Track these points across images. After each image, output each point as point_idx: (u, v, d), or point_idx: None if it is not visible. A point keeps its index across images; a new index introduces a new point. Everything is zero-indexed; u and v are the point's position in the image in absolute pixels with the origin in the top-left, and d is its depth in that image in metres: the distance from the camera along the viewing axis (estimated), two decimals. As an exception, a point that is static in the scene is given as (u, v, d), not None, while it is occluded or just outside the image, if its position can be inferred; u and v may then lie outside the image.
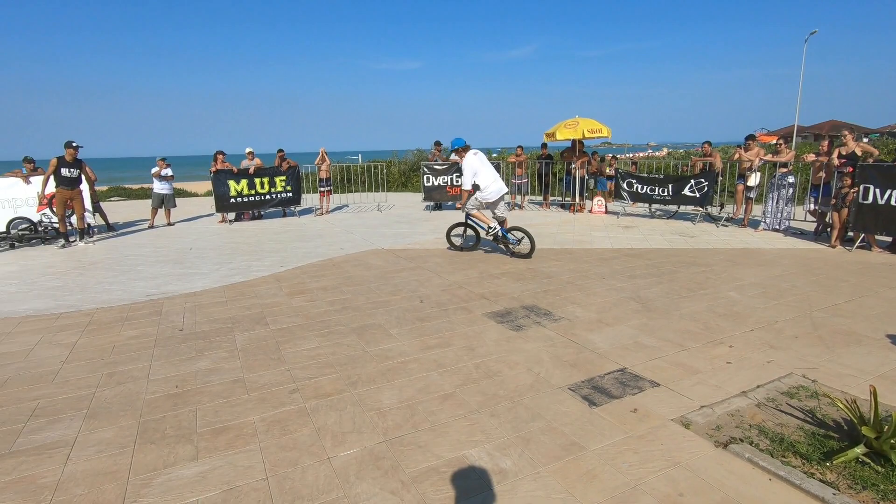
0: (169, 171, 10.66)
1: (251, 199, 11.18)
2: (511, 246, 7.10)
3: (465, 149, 7.17)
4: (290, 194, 11.58)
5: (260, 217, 11.75)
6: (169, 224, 10.82)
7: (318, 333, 4.30)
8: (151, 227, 10.59)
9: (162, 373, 3.60)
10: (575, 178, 11.56)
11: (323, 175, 12.07)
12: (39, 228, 9.12)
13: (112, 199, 17.47)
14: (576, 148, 11.73)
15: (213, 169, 10.87)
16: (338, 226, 10.36)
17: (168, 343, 4.16)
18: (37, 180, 8.95)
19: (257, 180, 11.14)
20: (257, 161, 11.49)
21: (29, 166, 9.45)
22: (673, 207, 10.74)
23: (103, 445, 2.72)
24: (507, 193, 7.33)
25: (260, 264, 7.00)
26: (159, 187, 10.63)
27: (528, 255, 6.96)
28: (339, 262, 7.05)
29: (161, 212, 10.87)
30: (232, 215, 11.25)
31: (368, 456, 2.58)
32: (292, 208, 11.86)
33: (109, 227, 10.39)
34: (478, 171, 6.95)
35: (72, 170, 8.45)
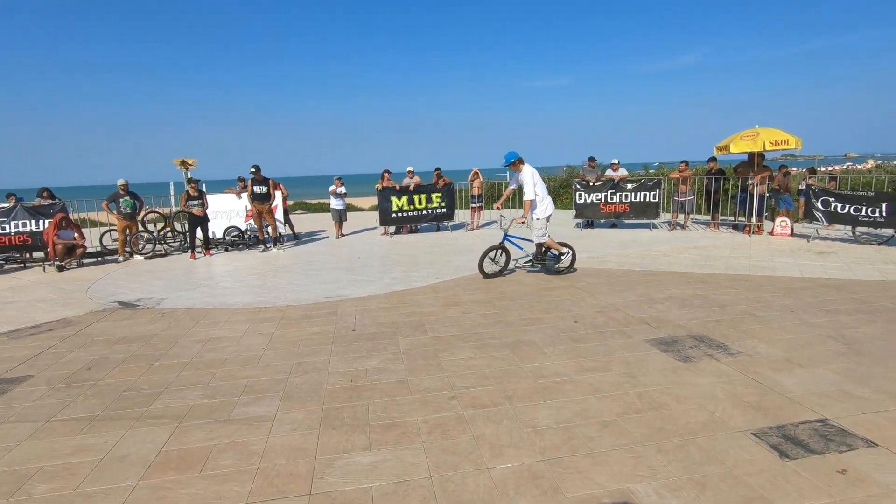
0: (343, 189, 12.02)
1: (410, 213, 12.05)
2: (549, 263, 7.09)
3: (521, 161, 6.93)
4: (444, 210, 12.23)
5: (416, 231, 12.59)
6: (341, 235, 12.16)
7: (473, 345, 4.45)
8: (337, 237, 11.96)
9: (339, 367, 4.05)
10: (752, 195, 10.24)
11: (475, 192, 12.53)
12: (245, 236, 11.00)
13: (297, 212, 20.32)
14: (754, 161, 10.40)
15: (380, 186, 11.97)
16: (488, 241, 10.61)
17: (343, 341, 4.67)
18: (246, 196, 10.83)
19: (416, 196, 11.99)
20: (416, 179, 12.37)
21: (241, 184, 11.47)
22: (888, 231, 8.87)
23: (296, 424, 3.15)
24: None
25: (418, 275, 7.49)
26: (336, 203, 12.02)
27: (569, 270, 7.04)
28: (493, 277, 7.20)
29: (335, 225, 12.30)
30: (392, 228, 12.25)
31: (527, 472, 2.57)
32: (445, 223, 12.49)
33: (295, 237, 12.08)
34: (538, 182, 6.80)
35: (261, 187, 10.08)
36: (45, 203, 9.84)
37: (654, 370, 3.77)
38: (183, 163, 12.54)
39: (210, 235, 10.35)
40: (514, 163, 6.95)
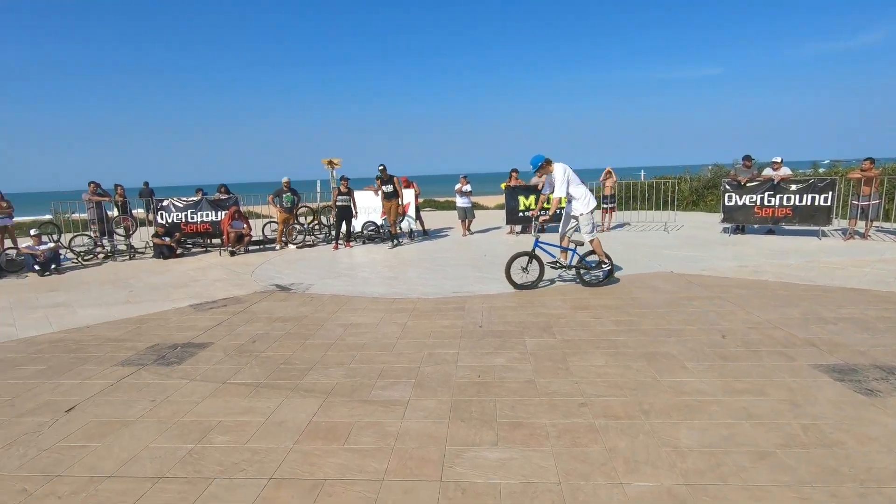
0: (468, 188, 12.24)
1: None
2: (584, 272, 6.55)
3: (549, 162, 6.57)
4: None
5: (544, 231, 12.37)
6: (467, 233, 12.41)
7: (604, 351, 4.25)
8: (464, 235, 12.30)
9: (467, 361, 4.15)
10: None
11: (607, 192, 11.94)
12: (381, 230, 11.78)
13: (426, 209, 21.25)
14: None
15: (508, 185, 11.98)
16: (619, 244, 10.06)
17: (471, 336, 4.77)
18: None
19: (544, 196, 11.78)
20: (544, 177, 12.15)
21: (378, 182, 12.30)
22: None
23: (427, 412, 3.30)
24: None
25: (545, 276, 7.36)
26: (462, 202, 12.30)
27: (602, 283, 6.51)
28: (623, 281, 6.81)
29: (462, 223, 12.61)
30: (519, 228, 12.20)
31: (666, 495, 2.39)
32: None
33: (425, 233, 12.63)
34: (571, 180, 6.44)
35: (387, 185, 10.75)
36: (223, 197, 11.53)
37: (825, 401, 3.25)
38: (330, 162, 13.84)
39: (351, 229, 11.28)
40: (543, 166, 6.62)
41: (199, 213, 11.24)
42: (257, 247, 11.35)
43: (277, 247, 11.19)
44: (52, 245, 9.48)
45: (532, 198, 11.77)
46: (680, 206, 16.53)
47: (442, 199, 25.29)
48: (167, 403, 3.55)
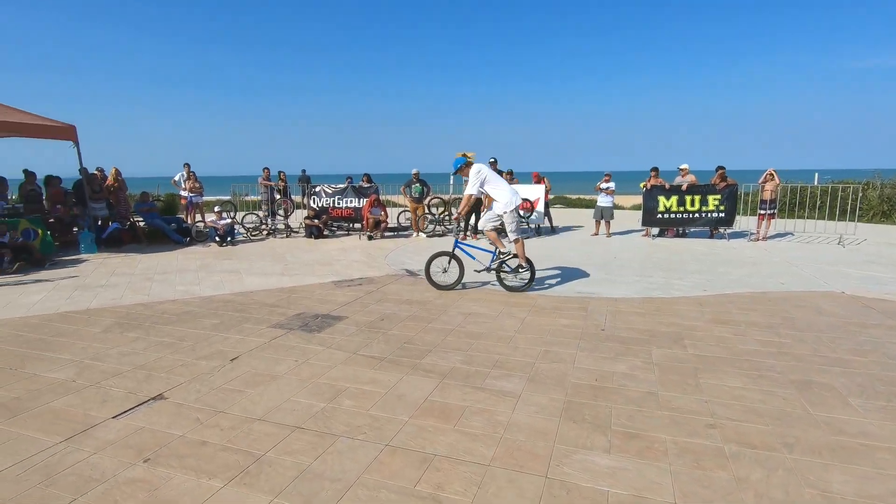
0: (612, 185, 11.64)
1: (679, 216, 10.96)
2: (504, 275, 6.45)
3: (469, 164, 6.39)
4: (722, 214, 10.70)
5: (684, 235, 11.38)
6: (606, 234, 11.76)
7: (744, 373, 3.81)
8: (594, 235, 11.82)
9: (585, 364, 4.03)
10: None
11: (766, 196, 10.54)
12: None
13: (556, 206, 20.80)
14: None
15: (647, 184, 11.21)
16: (777, 256, 8.85)
17: (591, 339, 4.61)
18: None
19: (688, 197, 10.81)
20: (691, 177, 11.13)
21: (507, 176, 12.35)
22: None
23: (538, 408, 3.28)
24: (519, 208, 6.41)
25: (681, 283, 6.79)
26: (603, 200, 11.70)
27: (524, 289, 6.34)
28: (777, 298, 6.00)
29: (596, 223, 12.07)
30: (656, 230, 11.36)
31: (805, 541, 2.10)
32: (722, 230, 10.92)
33: (553, 229, 12.39)
34: (489, 178, 6.21)
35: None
36: (365, 185, 12.54)
37: None
38: (463, 155, 14.22)
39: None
40: (462, 168, 6.45)
41: (344, 199, 12.38)
42: (392, 233, 12.15)
43: (413, 234, 11.87)
44: (229, 221, 11.19)
45: (674, 199, 10.88)
46: (864, 216, 13.96)
47: (573, 197, 24.51)
48: (307, 365, 4.02)
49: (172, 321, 5.21)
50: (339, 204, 12.42)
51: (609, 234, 11.67)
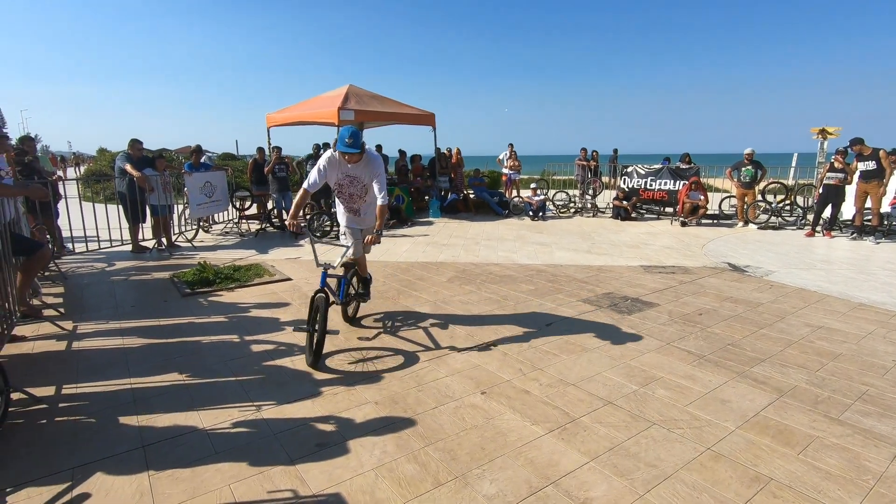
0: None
1: None
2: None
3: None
4: None
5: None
6: None
7: None
8: None
9: None
10: None
11: None
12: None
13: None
14: None
15: None
16: None
17: None
18: None
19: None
20: None
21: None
22: None
23: (936, 470, 2.45)
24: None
25: None
26: None
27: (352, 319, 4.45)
28: None
29: None
30: None
31: None
32: None
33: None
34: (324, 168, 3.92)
35: (866, 163, 8.38)
36: (683, 167, 11.45)
37: None
38: (822, 132, 11.39)
39: (838, 215, 9.11)
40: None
41: (658, 181, 11.63)
42: (711, 221, 10.82)
43: (739, 223, 10.33)
44: (542, 197, 12.02)
45: None
46: None
47: None
48: (617, 345, 4.03)
49: (497, 281, 6.00)
50: (651, 186, 11.75)
51: None
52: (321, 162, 3.90)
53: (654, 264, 6.89)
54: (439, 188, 12.75)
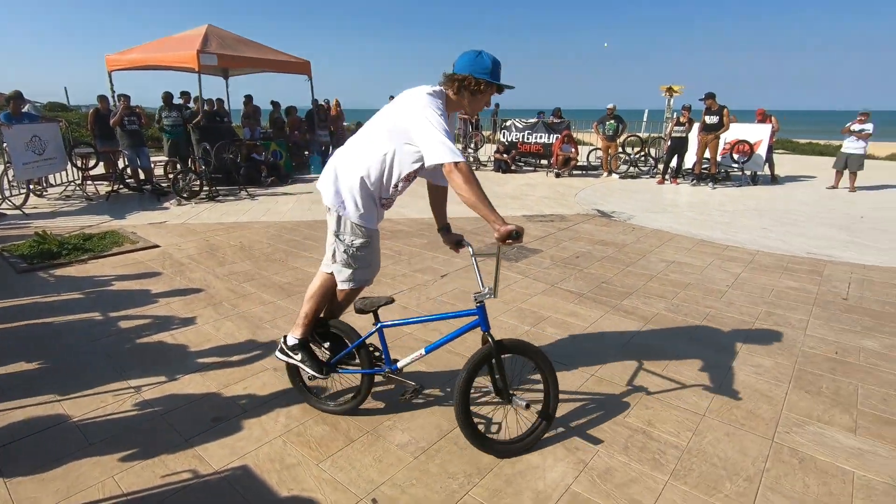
0: (868, 127, 9.28)
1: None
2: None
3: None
4: None
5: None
6: (851, 190, 9.63)
7: None
8: (832, 187, 9.77)
9: (820, 332, 3.51)
10: None
11: None
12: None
13: (779, 151, 17.56)
14: None
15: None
16: None
17: (828, 307, 3.97)
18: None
19: None
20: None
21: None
22: None
23: (761, 370, 3.01)
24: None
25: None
26: (852, 146, 9.43)
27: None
28: None
29: (837, 173, 9.86)
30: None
31: None
32: None
33: (773, 178, 10.60)
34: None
35: (712, 116, 9.75)
36: (557, 121, 12.17)
37: None
38: (669, 90, 12.77)
39: (682, 164, 10.41)
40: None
41: (534, 135, 12.25)
42: (581, 172, 11.75)
43: (604, 174, 11.33)
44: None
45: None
46: None
47: (802, 141, 20.37)
48: (509, 290, 4.27)
49: (389, 237, 5.94)
50: (528, 139, 12.35)
51: (853, 189, 9.52)
52: (438, 110, 2.05)
53: (535, 213, 7.35)
54: (319, 142, 12.11)
